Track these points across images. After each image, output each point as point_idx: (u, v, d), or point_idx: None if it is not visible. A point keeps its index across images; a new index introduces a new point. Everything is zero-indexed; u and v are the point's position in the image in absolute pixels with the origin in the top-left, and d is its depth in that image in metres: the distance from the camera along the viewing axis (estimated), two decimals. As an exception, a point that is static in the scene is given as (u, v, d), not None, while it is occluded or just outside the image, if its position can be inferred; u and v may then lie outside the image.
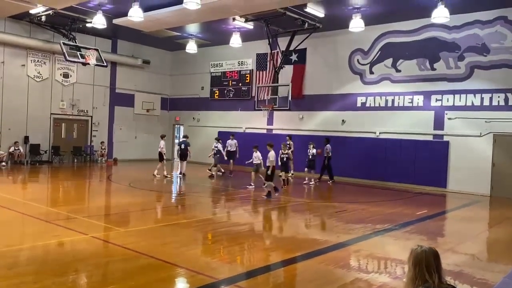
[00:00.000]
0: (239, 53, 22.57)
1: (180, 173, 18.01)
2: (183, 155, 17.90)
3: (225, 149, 18.96)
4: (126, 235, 7.97)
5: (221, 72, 24.12)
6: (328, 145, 17.52)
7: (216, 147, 18.26)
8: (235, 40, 20.04)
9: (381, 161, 17.95)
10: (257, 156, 15.06)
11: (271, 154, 13.09)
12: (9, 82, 20.01)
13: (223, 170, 18.58)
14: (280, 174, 15.13)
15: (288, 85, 18.99)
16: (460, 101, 16.36)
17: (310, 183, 16.90)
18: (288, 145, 16.83)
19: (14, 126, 20.19)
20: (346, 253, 7.53)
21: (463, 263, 7.07)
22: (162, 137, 18.16)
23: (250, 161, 15.25)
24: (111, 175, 18.22)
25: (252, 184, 14.89)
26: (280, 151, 15.40)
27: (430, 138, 17.07)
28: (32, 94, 20.92)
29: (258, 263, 6.87)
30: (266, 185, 12.96)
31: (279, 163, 15.15)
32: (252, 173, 14.92)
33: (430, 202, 14.21)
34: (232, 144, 18.71)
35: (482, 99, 15.86)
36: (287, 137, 18.07)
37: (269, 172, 12.90)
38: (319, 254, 7.23)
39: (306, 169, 16.99)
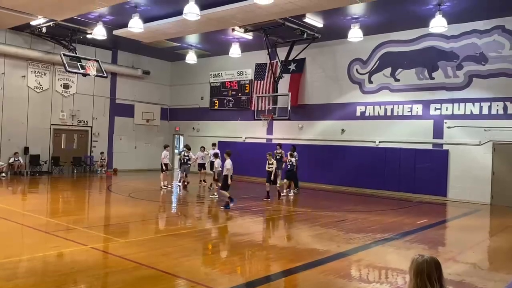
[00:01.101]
0: (239, 63, 22.70)
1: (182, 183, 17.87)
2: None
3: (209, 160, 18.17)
4: (125, 246, 7.94)
5: (221, 82, 24.21)
6: (295, 153, 16.87)
7: (187, 156, 17.44)
8: (235, 51, 20.16)
9: (380, 170, 17.95)
10: (217, 163, 15.01)
11: (227, 162, 12.69)
12: (9, 93, 20.07)
13: (186, 183, 17.47)
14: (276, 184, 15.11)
15: (287, 94, 19.05)
16: (459, 109, 16.41)
17: (289, 194, 16.07)
18: (278, 154, 16.77)
19: (14, 137, 20.22)
20: (346, 263, 7.49)
21: (464, 272, 7.04)
22: (165, 147, 17.92)
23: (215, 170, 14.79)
24: (110, 186, 18.19)
25: (215, 194, 14.90)
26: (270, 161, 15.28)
27: (429, 147, 17.09)
28: (33, 105, 20.98)
29: (258, 273, 6.84)
30: (215, 194, 12.71)
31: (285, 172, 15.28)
32: (212, 181, 14.93)
33: (431, 211, 14.17)
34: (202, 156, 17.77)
35: (481, 107, 15.91)
36: (277, 146, 17.59)
37: (228, 181, 12.58)
38: (319, 264, 7.20)
39: (284, 180, 16.24)
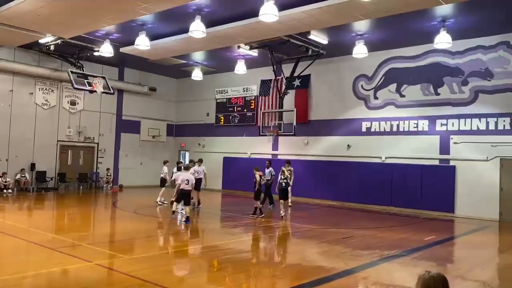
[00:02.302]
0: (244, 79, 22.84)
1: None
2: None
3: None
4: (130, 263, 7.90)
5: (226, 98, 24.34)
6: (271, 168, 16.44)
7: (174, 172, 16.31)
8: (240, 67, 20.31)
9: (387, 186, 17.83)
10: (175, 176, 14.92)
11: (184, 175, 12.50)
12: (17, 110, 20.28)
13: (165, 202, 16.56)
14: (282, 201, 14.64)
15: (293, 110, 19.11)
16: (465, 125, 16.34)
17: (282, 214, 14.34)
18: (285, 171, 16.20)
19: (21, 154, 20.35)
20: (353, 280, 7.40)
21: (473, 290, 6.92)
22: (165, 162, 17.78)
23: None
24: (116, 202, 18.18)
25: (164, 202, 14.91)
26: (279, 175, 14.72)
27: (436, 162, 16.98)
28: (40, 122, 21.16)
29: (264, 290, 6.76)
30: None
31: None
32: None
33: (438, 227, 14.02)
34: (200, 171, 16.43)
35: (487, 123, 15.84)
36: (286, 163, 16.87)
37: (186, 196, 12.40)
38: (326, 281, 7.10)
39: (281, 200, 14.54)
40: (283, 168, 15.11)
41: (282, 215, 14.25)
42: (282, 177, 14.59)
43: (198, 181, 16.48)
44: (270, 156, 21.88)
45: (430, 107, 17.19)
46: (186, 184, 12.49)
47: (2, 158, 19.84)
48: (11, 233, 10.29)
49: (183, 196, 12.61)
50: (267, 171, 16.47)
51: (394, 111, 18.18)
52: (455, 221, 15.57)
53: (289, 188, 15.61)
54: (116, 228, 12.72)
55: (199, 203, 16.37)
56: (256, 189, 14.44)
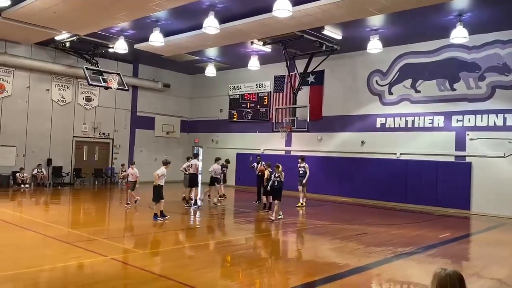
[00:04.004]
0: (257, 75, 22.82)
1: (221, 196, 17.12)
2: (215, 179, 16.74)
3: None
4: (145, 257, 7.97)
5: (240, 94, 24.36)
6: (258, 164, 15.98)
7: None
8: (253, 63, 20.28)
9: (402, 182, 17.66)
10: (133, 173, 15.03)
11: (159, 171, 12.89)
12: (34, 106, 20.58)
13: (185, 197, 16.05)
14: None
15: (306, 106, 19.02)
16: (481, 121, 16.08)
17: (278, 217, 12.91)
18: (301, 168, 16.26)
19: (38, 149, 20.66)
20: (367, 277, 7.36)
21: (489, 288, 6.83)
22: (215, 160, 16.52)
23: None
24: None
25: (129, 203, 14.88)
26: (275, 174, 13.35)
27: (451, 159, 16.76)
28: (56, 118, 21.44)
29: (277, 287, 6.76)
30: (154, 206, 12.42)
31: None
32: (129, 191, 14.99)
33: (454, 224, 13.85)
34: (216, 169, 15.97)
35: (504, 119, 15.56)
36: (300, 160, 16.69)
37: (159, 192, 12.48)
38: (339, 278, 7.09)
39: (276, 201, 13.07)
40: (278, 165, 13.31)
41: (272, 218, 12.78)
42: (276, 175, 13.09)
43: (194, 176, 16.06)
44: (283, 153, 21.87)
45: (446, 102, 16.95)
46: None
47: (19, 153, 20.18)
48: (28, 227, 10.48)
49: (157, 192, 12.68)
50: (257, 166, 16.59)
51: (409, 106, 17.98)
52: (471, 218, 15.37)
53: (301, 188, 16.18)
54: (131, 223, 12.84)
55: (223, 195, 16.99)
56: (265, 185, 14.48)
